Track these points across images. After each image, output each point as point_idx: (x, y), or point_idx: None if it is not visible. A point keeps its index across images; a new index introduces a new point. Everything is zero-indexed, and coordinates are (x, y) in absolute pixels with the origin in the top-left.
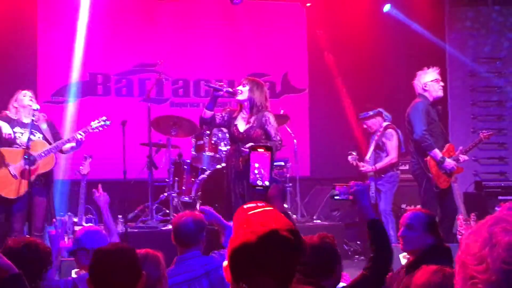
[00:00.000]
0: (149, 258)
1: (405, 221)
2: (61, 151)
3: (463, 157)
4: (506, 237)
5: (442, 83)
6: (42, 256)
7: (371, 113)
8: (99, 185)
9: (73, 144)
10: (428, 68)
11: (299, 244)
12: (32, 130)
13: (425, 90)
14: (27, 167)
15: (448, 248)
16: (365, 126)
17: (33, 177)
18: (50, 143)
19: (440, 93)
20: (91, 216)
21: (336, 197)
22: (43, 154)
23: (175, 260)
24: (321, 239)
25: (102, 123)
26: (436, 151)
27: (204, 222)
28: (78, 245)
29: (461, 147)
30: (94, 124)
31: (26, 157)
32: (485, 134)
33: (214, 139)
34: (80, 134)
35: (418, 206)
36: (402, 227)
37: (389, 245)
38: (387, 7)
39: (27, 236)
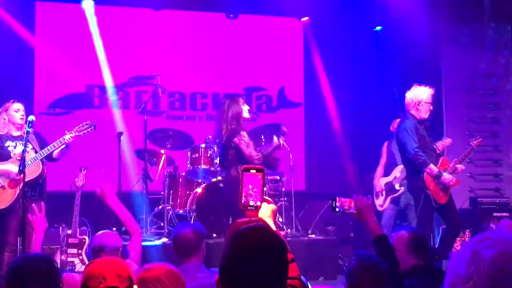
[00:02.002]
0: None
1: None
2: (53, 159)
3: (460, 167)
4: (489, 253)
5: (431, 107)
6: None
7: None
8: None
9: (62, 146)
10: (426, 85)
11: (284, 258)
12: (23, 142)
13: (417, 109)
14: (16, 177)
15: (436, 268)
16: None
17: (21, 186)
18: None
19: (426, 116)
20: (85, 228)
21: (337, 210)
22: (29, 162)
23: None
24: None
25: (86, 126)
26: (432, 166)
27: (203, 232)
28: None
29: (455, 159)
30: (79, 128)
31: (21, 168)
32: (475, 142)
33: (209, 152)
34: (67, 134)
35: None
36: None
37: (396, 260)
38: (378, 28)
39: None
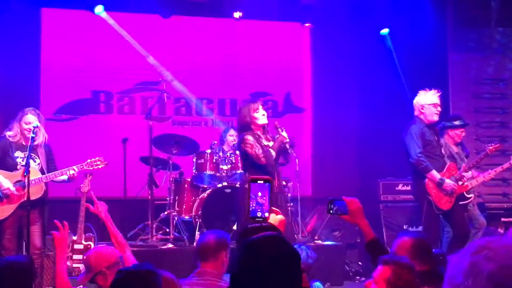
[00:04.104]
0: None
1: (391, 249)
2: (53, 180)
3: (466, 175)
4: (488, 267)
5: (439, 108)
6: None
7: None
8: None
9: (65, 177)
10: (431, 89)
11: (298, 268)
12: (32, 154)
13: (421, 112)
14: (15, 192)
15: (442, 274)
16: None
17: (17, 204)
18: (43, 171)
19: (435, 118)
20: (90, 234)
21: (331, 212)
22: (32, 182)
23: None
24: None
25: (99, 163)
26: (434, 172)
27: (225, 242)
28: (94, 271)
29: (464, 165)
30: (90, 162)
31: (25, 173)
32: (491, 148)
33: (215, 158)
34: (73, 170)
35: (420, 228)
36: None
37: None
38: (385, 31)
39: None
